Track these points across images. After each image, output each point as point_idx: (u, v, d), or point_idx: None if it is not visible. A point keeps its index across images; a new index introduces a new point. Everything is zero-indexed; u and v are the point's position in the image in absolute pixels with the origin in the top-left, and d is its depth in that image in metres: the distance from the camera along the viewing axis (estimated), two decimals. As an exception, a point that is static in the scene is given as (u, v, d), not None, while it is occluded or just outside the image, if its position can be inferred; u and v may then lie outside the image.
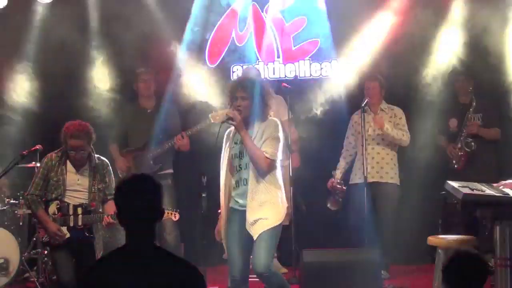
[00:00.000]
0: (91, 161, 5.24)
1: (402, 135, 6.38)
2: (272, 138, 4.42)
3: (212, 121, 6.18)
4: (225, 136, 4.69)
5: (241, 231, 4.46)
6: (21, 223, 6.35)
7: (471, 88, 6.60)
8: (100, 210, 5.26)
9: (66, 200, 5.16)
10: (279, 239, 4.53)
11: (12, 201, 6.49)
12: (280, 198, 4.48)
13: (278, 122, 4.52)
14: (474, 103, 6.46)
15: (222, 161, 4.65)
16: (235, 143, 4.57)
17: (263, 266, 4.36)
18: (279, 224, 4.44)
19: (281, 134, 4.49)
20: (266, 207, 4.38)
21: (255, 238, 4.35)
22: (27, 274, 6.46)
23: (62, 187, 5.15)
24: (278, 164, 4.52)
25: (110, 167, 5.39)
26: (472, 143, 6.42)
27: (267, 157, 4.37)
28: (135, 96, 6.84)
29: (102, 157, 5.36)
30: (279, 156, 4.47)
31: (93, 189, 5.21)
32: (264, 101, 4.50)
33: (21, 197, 6.37)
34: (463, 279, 3.07)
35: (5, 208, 6.48)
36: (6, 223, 6.42)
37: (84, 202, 5.17)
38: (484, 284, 3.10)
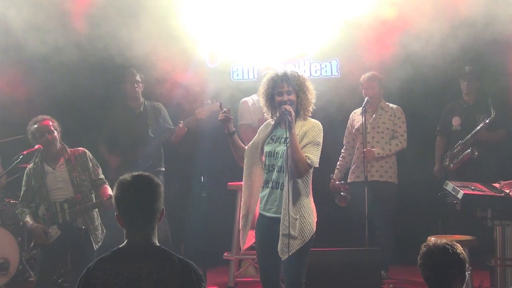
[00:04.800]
0: (65, 155, 5.29)
1: (396, 145, 6.41)
2: (315, 144, 4.19)
3: (198, 117, 6.29)
4: (262, 128, 4.44)
5: (270, 240, 4.22)
6: (21, 223, 6.33)
7: (491, 101, 6.46)
8: (93, 198, 5.30)
9: (52, 199, 5.25)
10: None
11: (12, 201, 6.49)
12: (310, 209, 4.24)
13: (321, 126, 4.29)
14: (494, 113, 6.29)
15: (252, 155, 4.39)
16: (272, 139, 4.32)
17: (293, 284, 4.19)
18: (309, 240, 4.20)
19: (322, 139, 4.27)
20: (297, 223, 4.13)
21: (283, 258, 4.13)
22: (27, 274, 6.46)
23: (44, 189, 5.24)
24: (311, 171, 4.30)
25: (89, 154, 5.42)
26: (476, 153, 6.36)
27: (308, 163, 4.14)
28: (123, 96, 6.82)
29: (77, 148, 5.41)
30: (317, 164, 4.25)
31: (75, 181, 5.25)
32: (308, 97, 4.29)
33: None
34: (437, 270, 3.04)
35: (5, 208, 6.47)
36: (6, 223, 6.41)
37: (70, 196, 5.20)
38: (460, 274, 3.07)
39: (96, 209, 5.34)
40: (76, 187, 5.25)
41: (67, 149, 5.36)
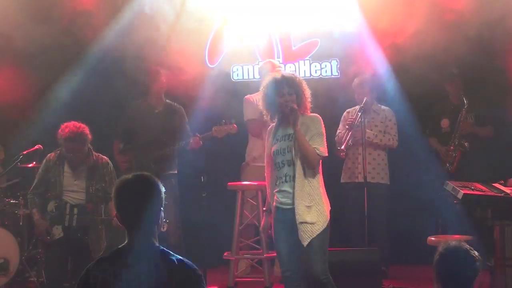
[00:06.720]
0: (88, 161, 5.26)
1: (388, 140, 6.46)
2: (319, 135, 4.43)
3: (215, 135, 6.20)
4: (267, 137, 4.66)
5: (288, 230, 4.40)
6: (21, 223, 6.35)
7: (462, 92, 6.55)
8: (102, 210, 5.30)
9: (64, 198, 5.24)
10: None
11: (12, 201, 6.49)
12: (324, 197, 4.44)
13: (320, 118, 4.52)
14: (467, 102, 6.42)
15: (266, 160, 4.63)
16: (277, 139, 4.53)
17: (321, 272, 4.33)
18: (327, 226, 4.38)
19: (324, 130, 4.48)
20: (313, 210, 4.33)
21: (304, 244, 4.31)
22: (27, 274, 6.46)
23: (59, 187, 5.24)
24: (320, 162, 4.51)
25: (111, 165, 5.39)
26: (465, 144, 6.39)
27: (318, 154, 4.37)
28: (144, 92, 6.64)
29: (102, 156, 5.38)
30: (326, 153, 4.46)
31: (91, 190, 5.25)
32: (305, 95, 4.50)
33: (21, 197, 6.39)
34: (454, 272, 3.07)
35: (5, 208, 6.48)
36: (6, 223, 6.41)
37: (81, 202, 5.19)
38: (475, 278, 3.09)
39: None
40: (89, 195, 5.25)
41: (93, 155, 5.32)
